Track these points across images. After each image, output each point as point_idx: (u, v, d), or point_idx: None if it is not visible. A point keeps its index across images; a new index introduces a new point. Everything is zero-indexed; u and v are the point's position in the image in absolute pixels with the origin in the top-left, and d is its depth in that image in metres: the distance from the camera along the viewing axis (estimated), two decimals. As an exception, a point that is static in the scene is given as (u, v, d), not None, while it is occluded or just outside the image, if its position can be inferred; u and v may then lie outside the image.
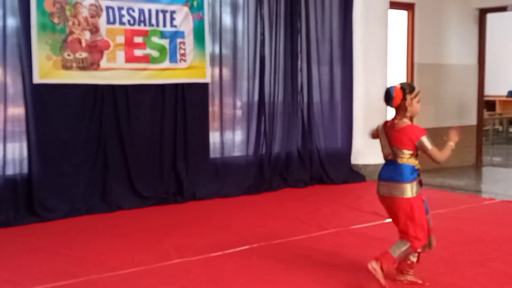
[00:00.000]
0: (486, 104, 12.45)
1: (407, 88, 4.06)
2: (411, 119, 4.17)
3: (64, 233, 5.73)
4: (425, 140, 4.00)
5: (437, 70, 9.92)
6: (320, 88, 8.41)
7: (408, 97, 4.04)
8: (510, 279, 4.32)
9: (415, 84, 9.22)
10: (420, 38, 9.69)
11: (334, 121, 8.58)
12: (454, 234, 5.57)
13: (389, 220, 4.35)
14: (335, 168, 8.43)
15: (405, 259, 4.12)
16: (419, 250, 4.11)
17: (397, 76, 9.53)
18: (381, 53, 8.79)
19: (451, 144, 4.08)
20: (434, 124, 9.69)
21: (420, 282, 4.18)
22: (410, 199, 4.01)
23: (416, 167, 4.06)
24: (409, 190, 4.01)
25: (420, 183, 4.10)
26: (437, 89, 9.89)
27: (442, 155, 4.01)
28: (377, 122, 4.43)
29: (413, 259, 4.16)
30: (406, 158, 4.04)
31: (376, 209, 6.38)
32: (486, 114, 12.93)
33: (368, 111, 8.55)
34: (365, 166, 8.62)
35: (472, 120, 10.59)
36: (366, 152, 8.47)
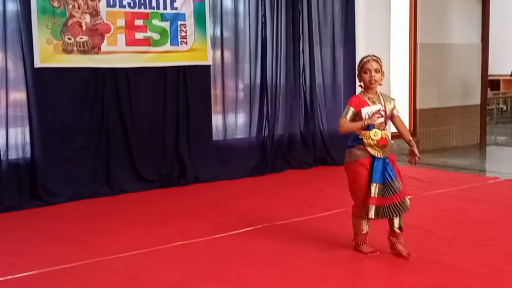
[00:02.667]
0: (490, 84, 12.38)
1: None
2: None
3: (68, 216, 5.74)
4: (346, 108, 4.26)
5: (441, 49, 9.85)
6: (322, 70, 8.35)
7: (357, 72, 4.34)
8: (513, 257, 4.31)
9: (418, 64, 9.34)
10: (423, 17, 9.61)
11: (336, 103, 8.52)
12: (458, 214, 5.57)
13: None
14: (338, 149, 8.37)
15: (356, 229, 4.36)
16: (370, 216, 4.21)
17: (400, 57, 9.46)
18: (384, 34, 8.71)
19: (361, 123, 4.17)
20: (438, 104, 9.64)
21: (376, 252, 4.31)
22: (345, 165, 4.28)
23: (360, 136, 4.17)
24: (346, 155, 4.26)
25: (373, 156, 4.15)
26: (440, 69, 9.82)
27: (344, 124, 4.22)
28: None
29: (365, 227, 4.35)
30: None
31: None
32: (490, 93, 12.87)
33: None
34: (368, 147, 8.57)
35: (476, 100, 10.53)
36: (369, 133, 8.42)
